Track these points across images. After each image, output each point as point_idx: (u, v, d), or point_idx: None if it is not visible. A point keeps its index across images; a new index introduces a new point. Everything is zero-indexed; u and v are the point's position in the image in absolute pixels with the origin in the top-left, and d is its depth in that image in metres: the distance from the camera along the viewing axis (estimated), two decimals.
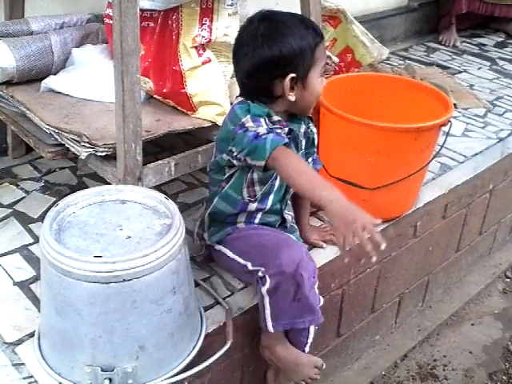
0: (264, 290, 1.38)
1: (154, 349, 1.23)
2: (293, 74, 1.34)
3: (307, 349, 1.55)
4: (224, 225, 1.50)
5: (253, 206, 1.44)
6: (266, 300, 1.40)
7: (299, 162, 1.32)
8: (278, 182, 1.44)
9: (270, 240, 1.42)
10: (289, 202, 1.55)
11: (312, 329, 1.51)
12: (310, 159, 1.57)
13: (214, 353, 1.34)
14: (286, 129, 1.39)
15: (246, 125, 1.30)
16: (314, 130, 1.56)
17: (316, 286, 1.45)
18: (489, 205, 2.46)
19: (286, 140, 1.29)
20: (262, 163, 1.26)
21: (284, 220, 1.53)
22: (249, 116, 1.31)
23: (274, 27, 1.34)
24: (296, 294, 1.38)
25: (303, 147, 1.52)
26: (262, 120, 1.31)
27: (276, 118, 1.38)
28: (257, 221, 1.47)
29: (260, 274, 1.38)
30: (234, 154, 1.33)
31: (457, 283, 2.54)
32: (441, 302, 2.44)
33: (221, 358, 1.35)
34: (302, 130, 1.49)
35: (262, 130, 1.28)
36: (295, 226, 1.62)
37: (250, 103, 1.36)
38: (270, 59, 1.34)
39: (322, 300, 1.51)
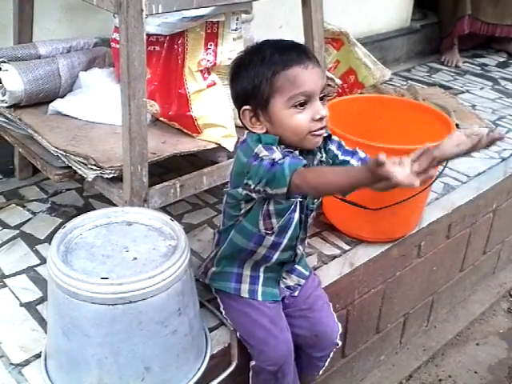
0: (251, 364, 1.45)
1: (159, 370, 1.24)
2: (246, 106, 1.29)
3: (321, 372, 1.59)
4: (234, 262, 1.45)
5: (269, 240, 1.38)
6: (251, 373, 1.47)
7: (321, 170, 1.26)
8: (296, 216, 1.37)
9: (261, 330, 1.41)
10: (303, 235, 1.48)
11: (331, 354, 1.54)
12: (355, 161, 1.41)
13: (218, 374, 1.34)
14: (297, 152, 1.29)
15: (260, 154, 1.22)
16: (334, 146, 1.41)
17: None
18: (492, 224, 2.46)
19: (304, 161, 1.21)
20: (284, 190, 1.17)
21: (296, 254, 1.49)
22: (260, 145, 1.24)
23: (243, 60, 1.30)
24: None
25: None
26: (274, 148, 1.24)
27: (283, 147, 1.29)
28: (273, 261, 1.42)
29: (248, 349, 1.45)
30: (252, 187, 1.24)
31: (461, 303, 2.54)
32: (445, 322, 2.44)
33: (225, 379, 1.35)
34: (316, 162, 1.38)
35: (278, 155, 1.21)
36: (304, 254, 1.56)
37: (259, 134, 1.29)
38: (231, 92, 1.34)
39: (340, 327, 1.53)
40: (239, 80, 1.29)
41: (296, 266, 1.53)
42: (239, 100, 1.31)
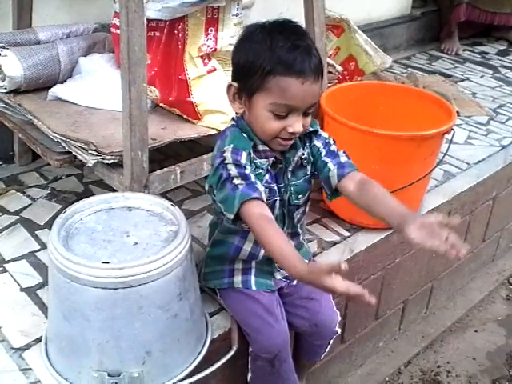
0: (249, 349, 1.44)
1: (160, 354, 1.25)
2: (234, 83, 1.27)
3: (322, 357, 1.59)
4: (225, 261, 1.44)
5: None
6: (249, 358, 1.46)
7: (267, 226, 1.19)
8: (276, 212, 1.35)
9: (256, 319, 1.40)
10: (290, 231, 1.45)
11: (331, 341, 1.54)
12: (332, 165, 1.34)
13: (219, 358, 1.35)
14: (271, 159, 1.31)
15: (225, 154, 1.23)
16: (320, 142, 1.37)
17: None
18: (492, 212, 2.47)
19: (255, 195, 1.19)
20: (231, 216, 1.21)
21: None
22: (231, 147, 1.24)
23: (253, 34, 1.24)
24: (271, 371, 1.44)
25: (304, 173, 1.39)
26: (242, 155, 1.24)
27: (261, 147, 1.29)
28: (260, 258, 1.41)
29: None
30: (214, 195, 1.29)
31: (460, 290, 2.54)
32: (444, 309, 2.45)
33: (226, 363, 1.36)
34: (296, 158, 1.36)
35: (238, 171, 1.21)
36: (305, 240, 1.54)
37: (238, 133, 1.29)
38: (231, 58, 1.31)
39: (339, 315, 1.53)
40: (240, 53, 1.26)
41: None
42: (233, 71, 1.30)
